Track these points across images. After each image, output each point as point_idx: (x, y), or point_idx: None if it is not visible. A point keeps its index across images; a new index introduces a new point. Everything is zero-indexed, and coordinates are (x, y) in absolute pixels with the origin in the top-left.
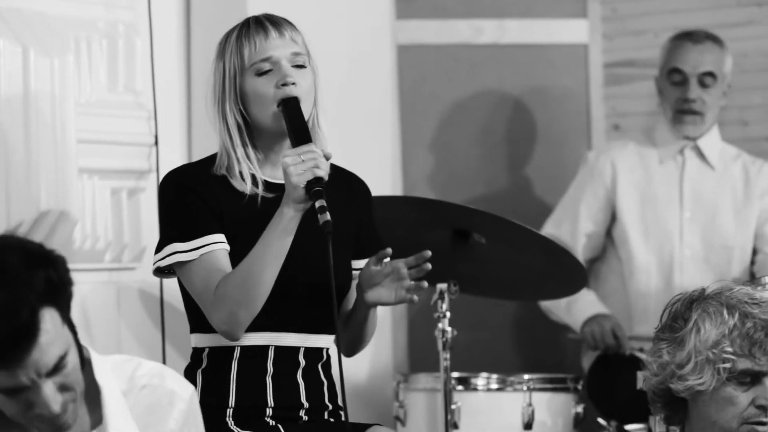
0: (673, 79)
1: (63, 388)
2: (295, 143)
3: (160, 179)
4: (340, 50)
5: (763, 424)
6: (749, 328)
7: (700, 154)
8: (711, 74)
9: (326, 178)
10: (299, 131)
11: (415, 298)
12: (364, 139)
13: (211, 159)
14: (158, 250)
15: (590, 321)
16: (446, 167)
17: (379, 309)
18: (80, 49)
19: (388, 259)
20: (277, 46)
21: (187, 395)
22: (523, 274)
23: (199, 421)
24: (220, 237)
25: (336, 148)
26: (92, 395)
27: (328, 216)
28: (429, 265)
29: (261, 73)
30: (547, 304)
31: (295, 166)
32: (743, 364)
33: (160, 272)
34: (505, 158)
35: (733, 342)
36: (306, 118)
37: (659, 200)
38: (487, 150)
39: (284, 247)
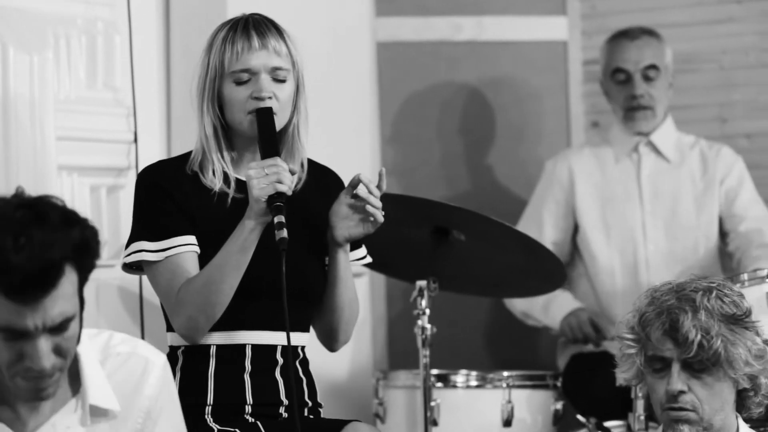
0: (617, 79)
1: (57, 351)
2: (262, 155)
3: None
4: (319, 47)
5: (674, 410)
6: (647, 313)
7: (655, 149)
8: (653, 67)
9: (289, 192)
10: (267, 143)
11: (379, 217)
12: (344, 136)
13: (187, 156)
14: (127, 245)
15: (567, 316)
16: (425, 164)
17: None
18: (59, 46)
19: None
20: (258, 58)
21: (161, 362)
22: (503, 271)
23: (173, 389)
24: (190, 239)
25: (315, 144)
26: (71, 365)
27: (284, 233)
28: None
29: (239, 82)
30: (523, 309)
31: (258, 180)
32: (649, 350)
33: (129, 268)
34: (484, 155)
35: (637, 328)
36: (281, 127)
37: (619, 199)
38: (466, 147)
39: (244, 257)
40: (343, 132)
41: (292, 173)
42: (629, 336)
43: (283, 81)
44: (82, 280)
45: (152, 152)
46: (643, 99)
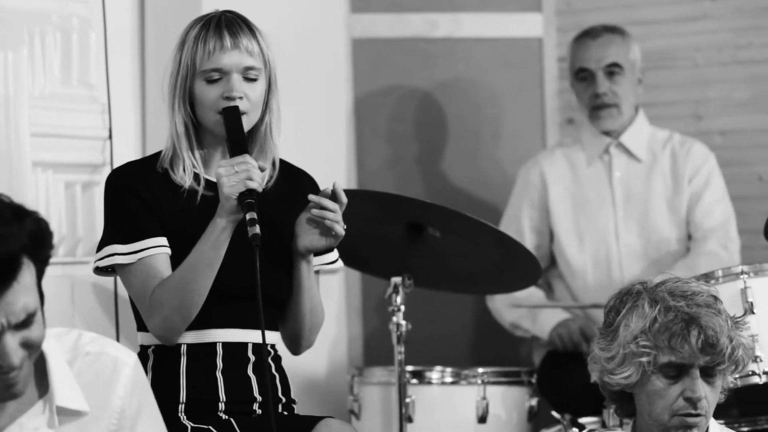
0: (581, 78)
1: (25, 345)
2: (231, 154)
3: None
4: (294, 44)
5: (692, 416)
6: (669, 321)
7: (626, 150)
8: (616, 65)
9: (260, 189)
10: (236, 142)
11: (338, 230)
12: (319, 133)
13: (157, 156)
14: (99, 249)
15: (557, 326)
16: (400, 161)
17: (334, 304)
18: (34, 42)
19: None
20: (229, 58)
21: (132, 361)
22: (478, 267)
23: (148, 387)
24: (161, 240)
25: (290, 142)
26: (38, 365)
27: (257, 229)
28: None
29: (210, 81)
30: (512, 321)
31: (228, 177)
32: (665, 357)
33: (100, 271)
34: (459, 152)
35: (653, 335)
36: (251, 126)
37: (591, 203)
38: (441, 144)
39: (217, 256)
40: (318, 128)
41: (262, 170)
42: (644, 342)
43: (254, 80)
44: (39, 272)
45: (127, 149)
46: (606, 97)
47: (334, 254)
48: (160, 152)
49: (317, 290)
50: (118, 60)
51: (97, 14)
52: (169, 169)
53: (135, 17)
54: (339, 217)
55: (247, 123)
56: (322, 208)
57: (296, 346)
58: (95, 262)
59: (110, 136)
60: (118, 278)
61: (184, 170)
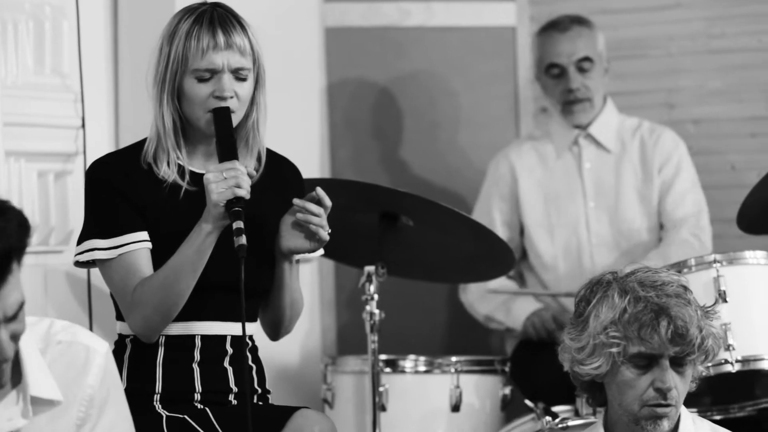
0: (552, 73)
1: (14, 337)
2: (220, 158)
3: (87, 167)
4: (267, 32)
5: (662, 406)
6: (639, 311)
7: (595, 141)
8: (587, 59)
9: (248, 197)
10: (226, 147)
11: (322, 235)
12: (293, 122)
13: (139, 146)
14: (79, 242)
15: (530, 316)
16: (373, 150)
17: (307, 293)
18: (6, 30)
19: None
20: (222, 57)
21: (103, 350)
22: (451, 256)
23: (116, 376)
24: (142, 235)
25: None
26: None
27: (243, 240)
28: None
29: (201, 79)
30: (486, 313)
31: (217, 184)
32: (634, 347)
33: (81, 265)
34: (433, 141)
35: (623, 326)
36: (238, 122)
37: (562, 195)
38: (414, 133)
39: (201, 260)
40: (291, 118)
41: (251, 177)
42: (614, 333)
43: (244, 79)
44: (19, 266)
45: (100, 138)
46: (579, 92)
47: None
48: (141, 143)
49: (298, 283)
50: (91, 49)
51: (70, 3)
52: (153, 163)
53: (108, 6)
54: (324, 221)
55: (234, 120)
56: (308, 212)
57: (276, 334)
58: (75, 256)
59: (83, 125)
60: (92, 269)
61: (168, 165)
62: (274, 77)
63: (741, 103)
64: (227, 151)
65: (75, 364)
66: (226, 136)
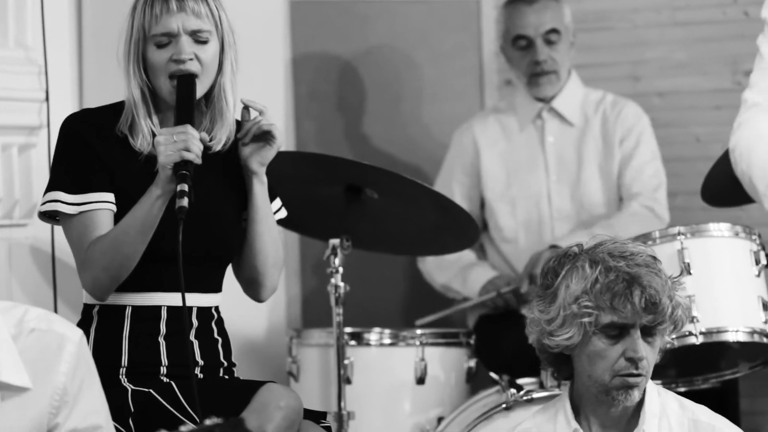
0: (518, 45)
1: None
2: (175, 122)
3: (58, 127)
4: (232, 5)
5: (633, 376)
6: (611, 281)
7: (558, 115)
8: (554, 31)
9: (197, 161)
10: (181, 110)
11: (274, 131)
12: (257, 95)
13: (117, 108)
14: (46, 192)
15: (485, 285)
16: (338, 123)
17: None
18: None
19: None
20: (176, 21)
21: (76, 338)
22: (416, 228)
23: (91, 363)
24: (107, 196)
25: None
26: None
27: (185, 202)
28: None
29: (160, 45)
30: (443, 282)
31: (166, 146)
32: (606, 317)
33: (45, 216)
34: (397, 114)
35: (595, 296)
36: (207, 90)
37: (524, 168)
38: (379, 106)
39: (150, 224)
40: (256, 90)
41: (203, 141)
42: (586, 303)
43: (205, 42)
44: None
45: (64, 111)
46: (546, 64)
47: (278, 202)
48: (119, 104)
49: (274, 222)
50: (55, 21)
51: None
52: (129, 134)
53: None
54: (268, 119)
55: (200, 87)
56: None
57: (260, 287)
58: (40, 205)
59: (47, 98)
60: (57, 241)
61: (143, 136)
62: (240, 49)
63: (706, 76)
64: (182, 115)
65: (47, 353)
66: (184, 101)
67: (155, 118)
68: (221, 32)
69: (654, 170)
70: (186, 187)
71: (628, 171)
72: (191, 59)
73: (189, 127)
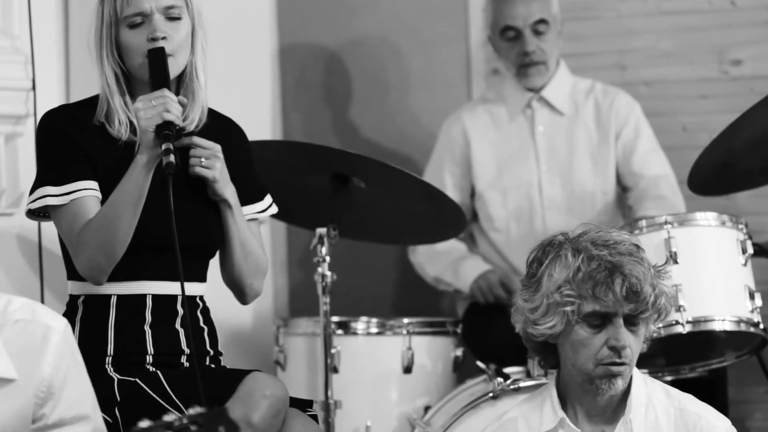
0: (507, 36)
1: None
2: (151, 89)
3: (39, 119)
4: None
5: (616, 364)
6: (593, 270)
7: (548, 104)
8: (543, 21)
9: (178, 122)
10: (157, 78)
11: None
12: (245, 84)
13: (93, 102)
14: (32, 191)
15: (477, 279)
16: (325, 112)
17: None
18: None
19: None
20: (148, 0)
21: (61, 328)
22: (403, 218)
23: (76, 353)
24: (92, 184)
25: (216, 92)
26: None
27: (171, 158)
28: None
29: (133, 26)
30: (434, 275)
31: (145, 111)
32: (589, 306)
33: (33, 214)
34: (384, 103)
35: (577, 284)
36: (181, 70)
37: (514, 158)
38: (367, 95)
39: (139, 194)
40: (244, 80)
41: (182, 104)
42: (568, 292)
43: (177, 18)
44: None
45: (51, 100)
46: (535, 55)
47: (267, 200)
48: (93, 98)
49: (250, 236)
50: (42, 10)
51: None
52: (106, 122)
53: None
54: (207, 155)
55: (175, 66)
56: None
57: (241, 294)
58: (28, 204)
59: (33, 87)
60: (43, 229)
61: (120, 123)
62: (226, 39)
63: (692, 65)
64: (158, 82)
65: (32, 343)
66: (157, 70)
67: (130, 104)
68: (192, 11)
69: (660, 158)
70: (171, 146)
71: (634, 159)
72: (165, 38)
73: (166, 91)
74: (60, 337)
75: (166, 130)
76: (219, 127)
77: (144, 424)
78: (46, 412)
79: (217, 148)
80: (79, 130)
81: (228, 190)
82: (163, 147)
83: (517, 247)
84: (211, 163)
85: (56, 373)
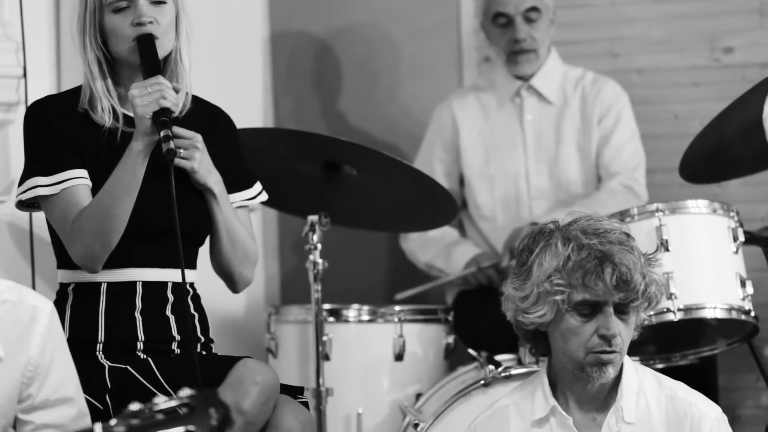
0: (498, 22)
1: None
2: (144, 76)
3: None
4: None
5: (606, 353)
6: (582, 259)
7: (537, 93)
8: (534, 9)
9: (174, 109)
10: (149, 65)
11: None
12: (236, 71)
13: (77, 91)
14: (21, 183)
15: (469, 262)
16: (317, 100)
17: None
18: None
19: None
20: None
21: (47, 310)
22: (394, 205)
23: (61, 335)
24: (82, 172)
25: (207, 80)
26: None
27: (171, 145)
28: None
29: (118, 10)
30: (426, 261)
31: (141, 98)
32: (579, 295)
33: (24, 205)
34: (376, 91)
35: (567, 273)
36: (166, 53)
37: (502, 146)
38: (357, 83)
39: (134, 181)
40: (235, 67)
41: (176, 91)
42: (558, 281)
43: (162, 2)
44: None
45: (42, 87)
46: (525, 42)
47: (257, 188)
48: (78, 87)
49: (238, 224)
50: None
51: None
52: (89, 109)
53: None
54: (186, 145)
55: (161, 51)
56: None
57: (231, 282)
58: (18, 196)
59: (24, 75)
60: (34, 217)
61: (102, 109)
62: (219, 26)
63: (684, 53)
64: (151, 69)
65: (20, 324)
66: (149, 58)
67: (113, 91)
68: None
69: (633, 150)
70: (170, 132)
71: (606, 150)
72: (151, 22)
73: (161, 78)
74: (47, 318)
75: (163, 117)
76: (206, 115)
77: (134, 407)
78: (32, 393)
79: (198, 137)
80: (65, 118)
81: (211, 179)
82: (162, 134)
83: (504, 235)
84: (190, 153)
85: (43, 354)
